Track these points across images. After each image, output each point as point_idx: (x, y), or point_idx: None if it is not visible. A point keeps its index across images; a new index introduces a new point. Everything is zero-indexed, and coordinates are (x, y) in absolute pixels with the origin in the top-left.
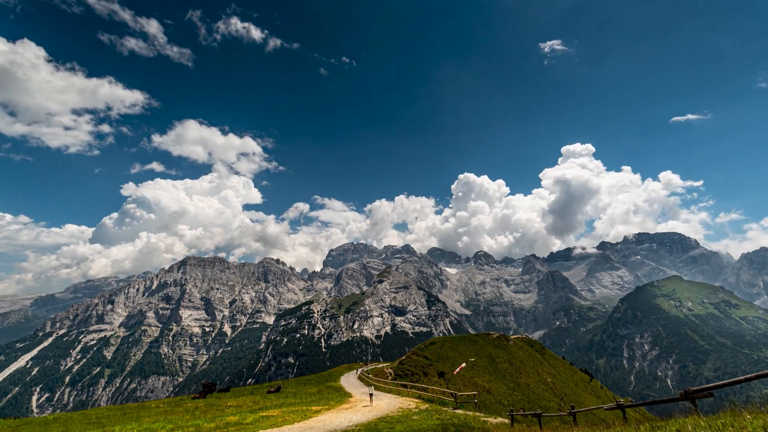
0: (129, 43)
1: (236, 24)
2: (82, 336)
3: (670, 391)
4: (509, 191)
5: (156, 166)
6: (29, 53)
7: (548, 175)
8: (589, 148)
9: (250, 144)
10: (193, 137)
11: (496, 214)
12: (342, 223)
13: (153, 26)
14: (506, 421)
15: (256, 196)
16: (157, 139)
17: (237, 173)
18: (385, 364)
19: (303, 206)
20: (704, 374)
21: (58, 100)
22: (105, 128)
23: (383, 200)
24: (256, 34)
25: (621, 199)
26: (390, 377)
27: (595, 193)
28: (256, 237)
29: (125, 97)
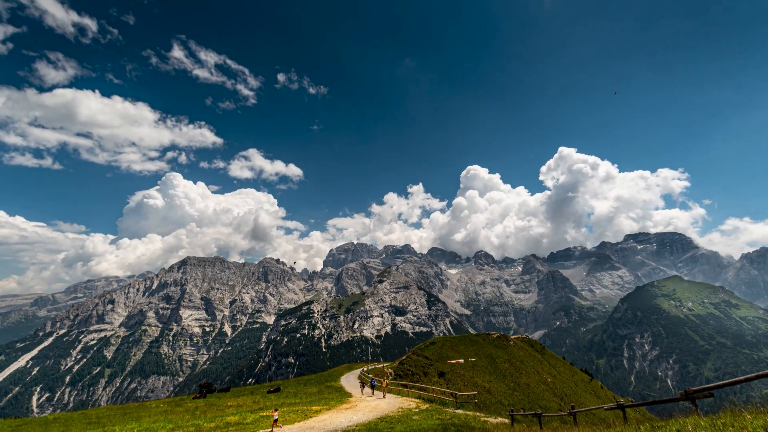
0: (224, 104)
1: (293, 77)
2: (83, 336)
3: (671, 391)
4: (511, 187)
5: (213, 187)
6: (145, 113)
7: (551, 167)
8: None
9: (293, 169)
10: (248, 164)
11: (497, 208)
12: (360, 231)
13: (245, 91)
14: (506, 421)
15: (280, 212)
16: (218, 164)
17: (271, 191)
18: (385, 364)
19: (325, 210)
20: (704, 374)
21: (154, 140)
22: (182, 158)
23: (397, 195)
24: (312, 90)
25: (621, 187)
26: (390, 377)
27: (595, 180)
28: (247, 231)
29: (209, 138)
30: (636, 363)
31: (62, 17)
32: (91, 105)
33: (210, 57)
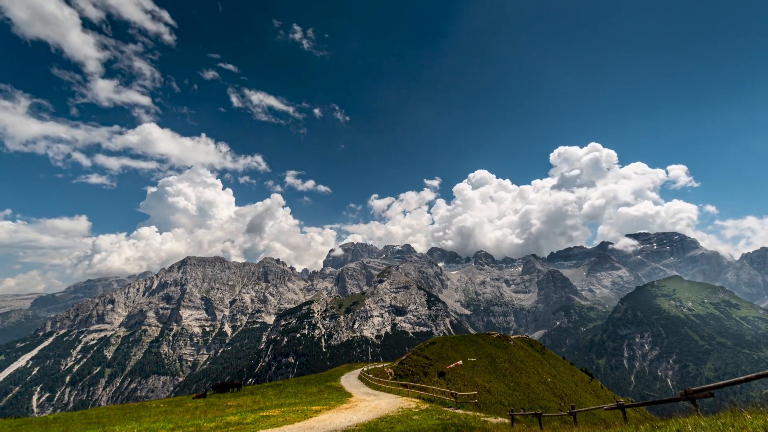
0: (279, 140)
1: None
2: (83, 336)
3: (671, 391)
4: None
5: (248, 204)
6: (213, 146)
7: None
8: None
9: (321, 188)
10: (281, 182)
11: (500, 207)
12: (374, 236)
13: (298, 130)
14: (506, 421)
15: (293, 221)
16: (254, 181)
17: (297, 204)
18: (385, 364)
19: (342, 218)
20: (704, 374)
21: (214, 165)
22: (229, 177)
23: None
24: (342, 121)
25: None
26: (390, 377)
27: (600, 175)
28: (248, 224)
29: (261, 165)
30: (636, 363)
31: (150, 74)
32: (168, 144)
33: (263, 100)
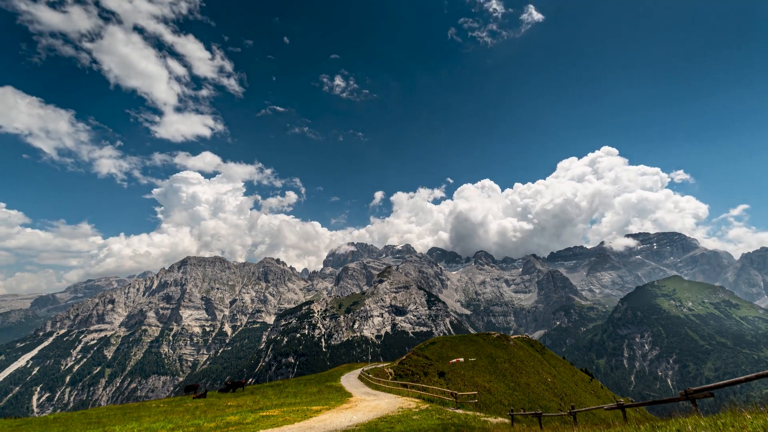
0: (315, 161)
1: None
2: (83, 336)
3: (671, 391)
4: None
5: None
6: (269, 172)
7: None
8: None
9: (340, 202)
10: (311, 196)
11: (500, 208)
12: (376, 237)
13: (328, 152)
14: (506, 421)
15: (304, 226)
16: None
17: (308, 211)
18: (385, 364)
19: (355, 222)
20: (704, 374)
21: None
22: (267, 192)
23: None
24: (363, 139)
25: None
26: (390, 377)
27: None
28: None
29: (297, 183)
30: (636, 363)
31: (213, 114)
32: (221, 167)
33: (299, 132)
